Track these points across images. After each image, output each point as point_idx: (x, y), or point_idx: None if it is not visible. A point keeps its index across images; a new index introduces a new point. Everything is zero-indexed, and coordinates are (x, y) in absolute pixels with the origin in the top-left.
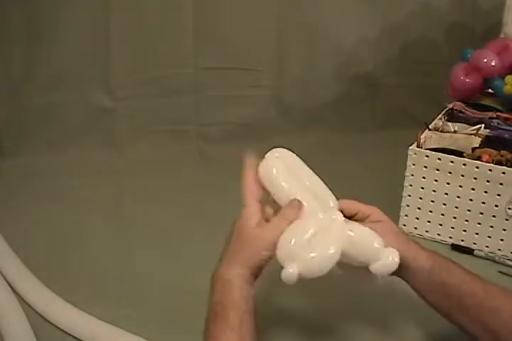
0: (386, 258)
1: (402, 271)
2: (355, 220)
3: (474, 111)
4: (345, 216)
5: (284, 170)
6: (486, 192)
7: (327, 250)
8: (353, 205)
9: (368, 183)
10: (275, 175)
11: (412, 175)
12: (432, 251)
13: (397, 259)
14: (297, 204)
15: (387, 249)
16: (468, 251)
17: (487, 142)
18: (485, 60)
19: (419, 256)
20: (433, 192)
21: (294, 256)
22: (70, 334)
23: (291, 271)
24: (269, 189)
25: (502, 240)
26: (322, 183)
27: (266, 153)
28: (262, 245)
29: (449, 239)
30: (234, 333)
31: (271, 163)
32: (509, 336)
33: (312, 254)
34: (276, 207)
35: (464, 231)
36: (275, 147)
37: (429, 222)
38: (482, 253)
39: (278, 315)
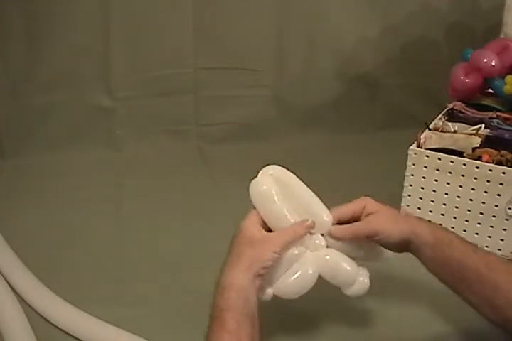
0: (358, 282)
1: (409, 247)
2: (355, 221)
3: (474, 111)
4: (343, 223)
5: (276, 191)
6: (486, 192)
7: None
8: (344, 211)
9: (368, 183)
10: (268, 197)
11: (412, 175)
12: (435, 225)
13: (367, 280)
14: (310, 225)
15: (360, 270)
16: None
17: (487, 142)
18: (485, 60)
19: (421, 233)
20: (433, 192)
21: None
22: (70, 334)
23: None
24: (260, 210)
25: (502, 240)
26: (316, 198)
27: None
28: (267, 248)
29: None
30: (231, 336)
31: (264, 183)
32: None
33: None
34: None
35: (464, 231)
36: (268, 164)
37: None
38: None
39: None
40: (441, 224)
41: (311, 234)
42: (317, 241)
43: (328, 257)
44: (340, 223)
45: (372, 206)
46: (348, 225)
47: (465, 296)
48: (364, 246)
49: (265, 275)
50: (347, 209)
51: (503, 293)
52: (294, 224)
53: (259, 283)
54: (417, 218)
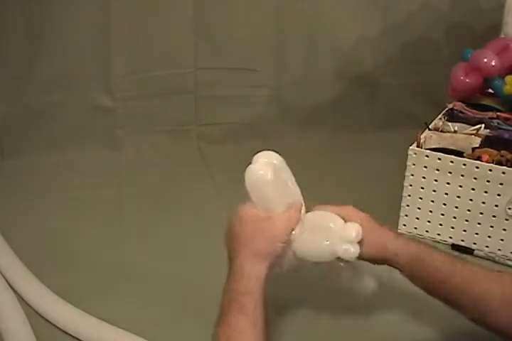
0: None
1: (384, 261)
2: None
3: (474, 111)
4: None
5: (272, 179)
6: (486, 192)
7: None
8: (328, 209)
9: (368, 183)
10: (264, 183)
11: (412, 175)
12: (408, 240)
13: (359, 233)
14: (300, 207)
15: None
16: (468, 251)
17: (487, 142)
18: (485, 60)
19: (395, 249)
20: (433, 192)
21: None
22: (70, 334)
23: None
24: (253, 194)
25: (502, 240)
26: (298, 188)
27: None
28: (278, 235)
29: (449, 239)
30: (247, 318)
31: (260, 168)
32: (500, 308)
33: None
34: None
35: (464, 231)
36: (264, 150)
37: (429, 222)
38: (482, 253)
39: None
40: (440, 225)
41: None
42: None
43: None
44: None
45: (354, 214)
46: None
47: (448, 301)
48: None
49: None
50: (332, 209)
51: (481, 293)
52: (291, 208)
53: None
54: (394, 233)
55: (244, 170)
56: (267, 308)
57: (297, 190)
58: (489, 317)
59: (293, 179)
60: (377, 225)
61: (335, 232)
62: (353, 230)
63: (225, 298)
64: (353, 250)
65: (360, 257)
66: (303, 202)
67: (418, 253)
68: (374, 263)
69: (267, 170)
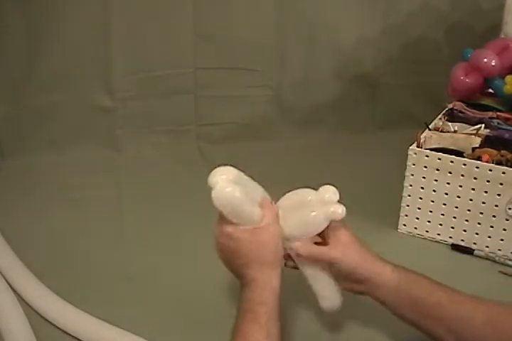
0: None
1: (367, 286)
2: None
3: (474, 111)
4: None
5: (239, 194)
6: (486, 192)
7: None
8: None
9: (368, 183)
10: (235, 200)
11: (412, 175)
12: (396, 265)
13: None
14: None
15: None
16: (468, 251)
17: (487, 142)
18: (485, 60)
19: (384, 271)
20: (433, 192)
21: None
22: (70, 334)
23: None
24: (228, 213)
25: (502, 240)
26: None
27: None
28: (275, 241)
29: (449, 239)
30: (262, 328)
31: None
32: (483, 339)
33: None
34: None
35: (464, 231)
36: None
37: (429, 222)
38: (482, 253)
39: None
40: (440, 225)
41: None
42: None
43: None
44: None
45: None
46: (314, 246)
47: (430, 332)
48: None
49: None
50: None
51: (474, 325)
52: (264, 208)
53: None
54: (375, 254)
55: (245, 169)
56: (281, 318)
57: (257, 187)
58: None
59: (248, 178)
60: (362, 245)
61: (315, 202)
62: (329, 191)
63: (240, 308)
64: (340, 208)
65: (340, 276)
66: (266, 194)
67: (407, 276)
68: (349, 287)
69: (232, 186)
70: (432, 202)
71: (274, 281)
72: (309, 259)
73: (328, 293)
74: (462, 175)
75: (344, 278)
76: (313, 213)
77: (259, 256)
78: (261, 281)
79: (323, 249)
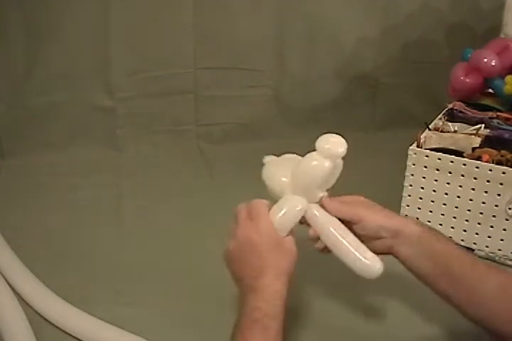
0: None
1: (393, 241)
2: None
3: (474, 111)
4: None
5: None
6: (486, 192)
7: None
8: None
9: (368, 183)
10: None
11: (412, 175)
12: (420, 222)
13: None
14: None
15: None
16: (468, 251)
17: (487, 142)
18: (485, 60)
19: (408, 223)
20: (433, 192)
21: None
22: (70, 334)
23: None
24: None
25: (502, 240)
26: None
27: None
28: (294, 253)
29: None
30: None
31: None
32: (493, 303)
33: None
34: None
35: (464, 231)
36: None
37: (429, 221)
38: (482, 253)
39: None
40: (440, 225)
41: None
42: None
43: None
44: None
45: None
46: (341, 204)
47: (444, 290)
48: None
49: None
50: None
51: (487, 286)
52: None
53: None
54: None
55: (245, 169)
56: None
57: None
58: (485, 313)
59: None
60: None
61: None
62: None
63: (246, 314)
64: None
65: (365, 235)
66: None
67: (429, 231)
68: (375, 248)
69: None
70: (432, 202)
71: (284, 292)
72: (331, 211)
73: (362, 253)
74: (462, 175)
75: (370, 237)
76: (314, 162)
77: (279, 264)
78: (277, 291)
79: (350, 207)
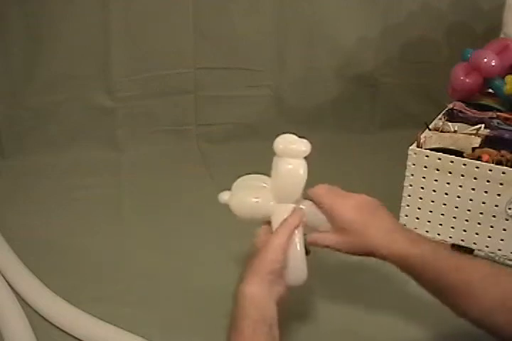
0: None
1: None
2: None
3: (474, 111)
4: None
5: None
6: (486, 192)
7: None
8: None
9: (368, 183)
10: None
11: (412, 175)
12: (418, 237)
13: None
14: (299, 212)
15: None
16: (468, 251)
17: (487, 142)
18: (485, 60)
19: (391, 244)
20: (433, 192)
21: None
22: (70, 334)
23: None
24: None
25: (502, 240)
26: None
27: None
28: (270, 252)
29: (449, 239)
30: None
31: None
32: (491, 305)
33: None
34: None
35: (464, 231)
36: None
37: (429, 222)
38: (482, 253)
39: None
40: (440, 225)
41: None
42: None
43: None
44: None
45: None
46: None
47: (442, 301)
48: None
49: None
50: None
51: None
52: (284, 220)
53: (276, 287)
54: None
55: (245, 170)
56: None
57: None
58: (484, 314)
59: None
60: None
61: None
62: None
63: (229, 322)
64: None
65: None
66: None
67: (429, 249)
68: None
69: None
70: (432, 202)
71: (259, 294)
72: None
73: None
74: (462, 175)
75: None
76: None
77: (249, 266)
78: (241, 295)
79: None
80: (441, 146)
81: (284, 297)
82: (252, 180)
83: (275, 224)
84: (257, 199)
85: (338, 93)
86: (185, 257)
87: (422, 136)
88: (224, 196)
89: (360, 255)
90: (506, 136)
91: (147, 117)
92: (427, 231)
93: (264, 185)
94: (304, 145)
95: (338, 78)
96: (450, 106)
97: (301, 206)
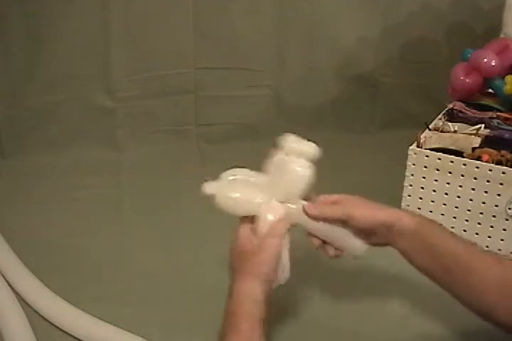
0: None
1: (388, 235)
2: None
3: (474, 111)
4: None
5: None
6: (486, 192)
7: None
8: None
9: (368, 183)
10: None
11: (412, 175)
12: (413, 213)
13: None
14: (293, 213)
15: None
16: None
17: (487, 142)
18: (485, 60)
19: (401, 216)
20: (433, 192)
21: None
22: (70, 334)
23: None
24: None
25: (502, 240)
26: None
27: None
28: (269, 252)
29: None
30: (244, 338)
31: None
32: (493, 294)
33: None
34: None
35: (464, 231)
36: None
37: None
38: None
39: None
40: (440, 224)
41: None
42: None
43: None
44: None
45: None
46: (323, 205)
47: (443, 284)
48: (336, 232)
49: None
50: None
51: (480, 281)
52: (275, 224)
53: (268, 285)
54: (395, 208)
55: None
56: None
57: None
58: (487, 305)
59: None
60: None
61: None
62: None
63: (224, 320)
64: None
65: (359, 232)
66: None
67: (423, 224)
68: (371, 241)
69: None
70: (432, 202)
71: (255, 292)
72: (318, 217)
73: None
74: (462, 175)
75: (365, 232)
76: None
77: (246, 266)
78: (237, 292)
79: (335, 206)
80: (441, 146)
81: (271, 295)
82: (240, 174)
83: (264, 223)
84: (241, 195)
85: (338, 93)
86: (185, 257)
87: (422, 136)
88: (208, 188)
89: (371, 232)
90: (506, 136)
91: (147, 117)
92: None
93: (252, 179)
94: (314, 148)
95: (338, 78)
96: (450, 106)
97: (293, 206)
